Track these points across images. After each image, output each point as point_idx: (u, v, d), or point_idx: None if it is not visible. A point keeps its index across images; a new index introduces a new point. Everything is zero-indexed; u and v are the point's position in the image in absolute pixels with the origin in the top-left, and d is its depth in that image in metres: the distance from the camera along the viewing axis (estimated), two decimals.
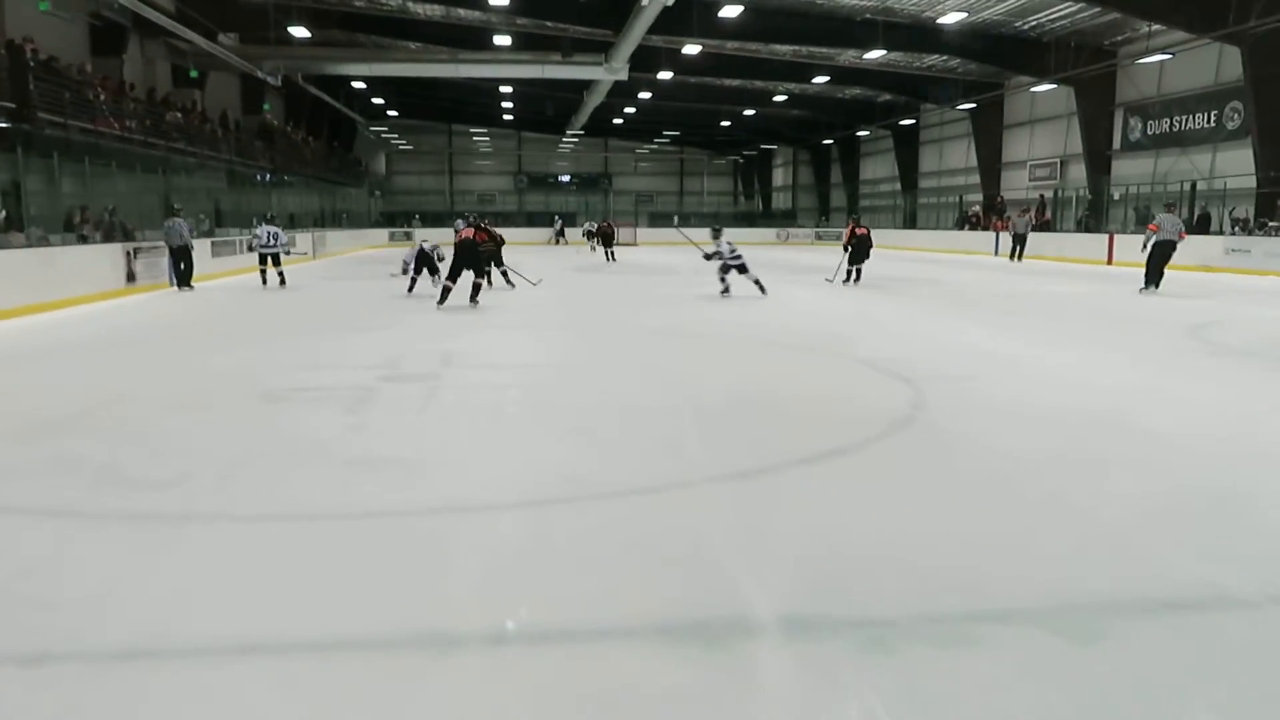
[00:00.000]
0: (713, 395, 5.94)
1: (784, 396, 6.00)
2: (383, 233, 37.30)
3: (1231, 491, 3.89)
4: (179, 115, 21.00)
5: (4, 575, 3.02)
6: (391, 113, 41.71)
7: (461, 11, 24.25)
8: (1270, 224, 17.69)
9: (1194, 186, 20.79)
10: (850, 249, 15.06)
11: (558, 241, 36.21)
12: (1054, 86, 24.26)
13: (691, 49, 24.42)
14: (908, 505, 3.71)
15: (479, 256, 11.71)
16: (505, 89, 34.24)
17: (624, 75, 24.57)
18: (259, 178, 25.45)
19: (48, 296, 11.21)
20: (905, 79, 29.12)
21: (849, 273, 15.13)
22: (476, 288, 11.58)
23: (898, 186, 36.69)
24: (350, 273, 20.12)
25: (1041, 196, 26.53)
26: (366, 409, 5.51)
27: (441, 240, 14.06)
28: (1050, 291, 14.57)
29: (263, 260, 15.19)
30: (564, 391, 6.30)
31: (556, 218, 38.19)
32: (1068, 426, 5.03)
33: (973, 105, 28.37)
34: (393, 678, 2.33)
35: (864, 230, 15.18)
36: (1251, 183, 18.87)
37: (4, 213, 12.27)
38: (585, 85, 29.06)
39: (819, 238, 38.65)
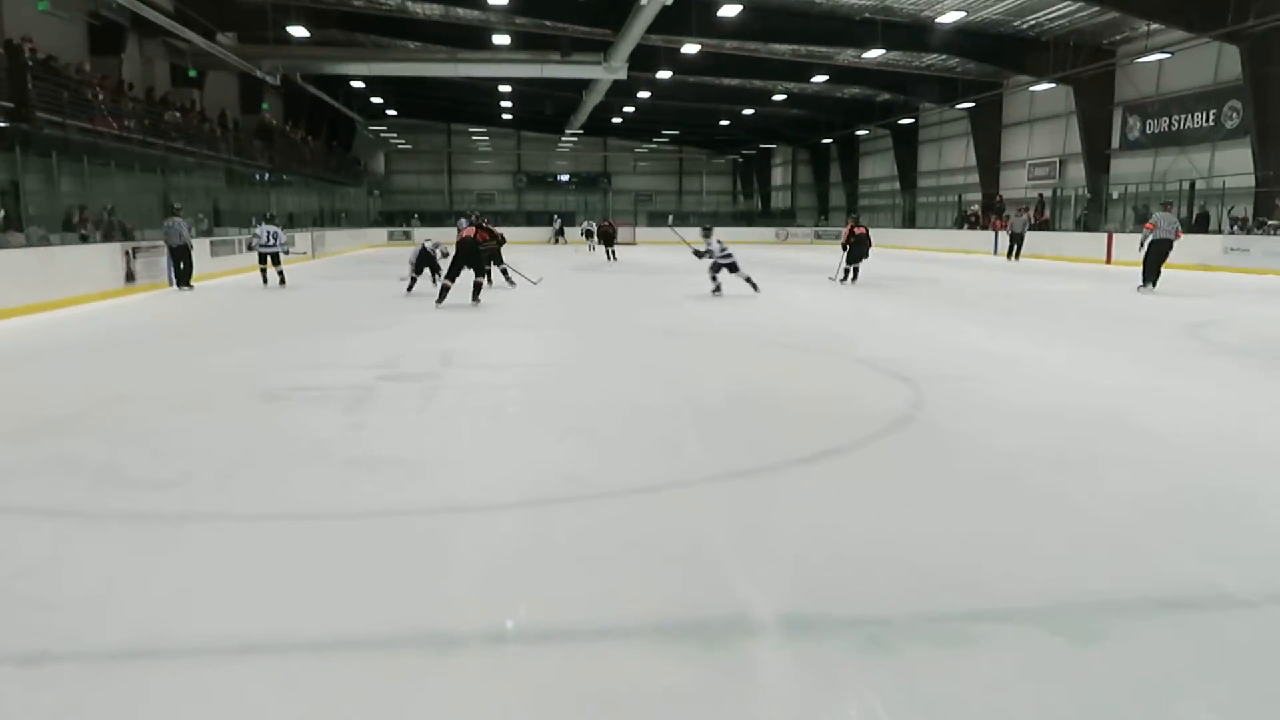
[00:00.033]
0: (712, 395, 5.94)
1: (783, 396, 6.00)
2: (381, 232, 37.32)
3: (1231, 491, 3.89)
4: (178, 115, 20.99)
5: (3, 575, 3.02)
6: (390, 112, 41.69)
7: (460, 11, 24.24)
8: (1269, 223, 17.71)
9: (1193, 185, 20.81)
10: (848, 248, 15.10)
11: (557, 241, 36.25)
12: (1053, 86, 24.27)
13: (690, 48, 24.42)
14: (907, 505, 3.71)
15: (480, 255, 11.78)
16: (504, 88, 34.23)
17: (623, 74, 24.57)
18: (258, 177, 25.44)
19: (47, 296, 11.21)
20: (904, 78, 29.12)
21: (846, 271, 15.16)
22: (478, 286, 11.64)
23: (897, 186, 36.70)
24: (349, 272, 20.12)
25: (1040, 196, 26.55)
26: (366, 409, 5.51)
27: (447, 240, 14.09)
28: (1049, 290, 14.58)
29: (262, 260, 15.21)
30: (564, 391, 6.30)
31: (556, 217, 38.22)
32: (1067, 426, 5.04)
33: (971, 104, 28.37)
34: (393, 678, 2.33)
35: (862, 229, 15.20)
36: (1250, 182, 18.88)
37: (2, 213, 12.26)
38: (584, 84, 29.05)
39: (818, 237, 38.67)
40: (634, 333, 9.52)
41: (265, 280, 15.26)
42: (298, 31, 21.67)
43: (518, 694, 2.26)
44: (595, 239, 31.07)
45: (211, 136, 22.83)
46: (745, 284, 12.57)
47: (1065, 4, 20.87)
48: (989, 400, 5.77)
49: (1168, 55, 20.49)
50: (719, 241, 12.78)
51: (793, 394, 6.08)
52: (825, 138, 40.13)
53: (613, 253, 24.99)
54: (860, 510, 3.66)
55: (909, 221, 34.43)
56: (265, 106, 29.28)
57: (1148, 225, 13.58)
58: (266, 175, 26.06)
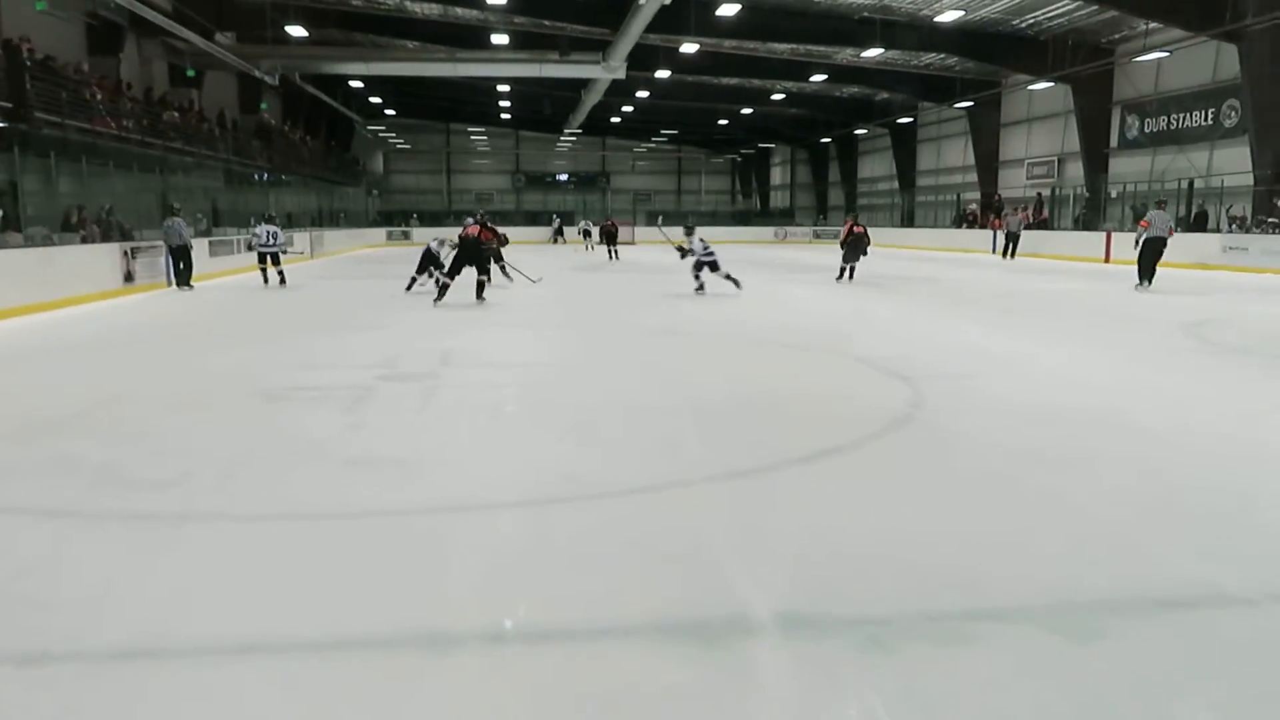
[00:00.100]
0: (712, 394, 5.94)
1: (783, 395, 6.00)
2: (380, 232, 37.33)
3: (1230, 490, 3.89)
4: (176, 115, 20.98)
5: (3, 575, 3.02)
6: (389, 112, 41.69)
7: (459, 10, 24.24)
8: (1268, 220, 17.72)
9: (1191, 184, 20.82)
10: (846, 246, 15.14)
11: (556, 240, 36.26)
12: (1051, 84, 24.28)
13: (689, 47, 24.42)
14: (906, 504, 3.72)
15: (482, 254, 11.87)
16: (503, 88, 34.21)
17: (621, 74, 24.57)
18: (256, 177, 25.42)
19: (46, 296, 11.20)
20: (903, 77, 29.13)
21: (842, 270, 15.20)
22: (481, 285, 11.75)
23: (895, 185, 36.71)
24: (348, 272, 20.11)
25: (1039, 195, 26.57)
26: (365, 408, 5.51)
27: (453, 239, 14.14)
28: (1048, 289, 14.59)
29: (262, 259, 15.21)
30: (563, 391, 6.30)
31: (555, 217, 38.23)
32: (1066, 425, 5.04)
33: (970, 103, 28.37)
34: (392, 677, 2.33)
35: (861, 228, 15.23)
36: (1249, 180, 18.88)
37: (1, 213, 12.25)
38: (583, 84, 29.05)
39: (817, 236, 38.67)
40: (634, 332, 9.52)
41: (265, 280, 15.26)
42: (296, 31, 21.65)
43: (517, 694, 2.26)
44: (593, 238, 31.14)
45: (210, 136, 22.82)
46: (729, 283, 12.60)
47: (1064, 3, 20.88)
48: (988, 399, 5.77)
49: (1166, 54, 20.49)
50: (702, 240, 12.89)
51: (792, 393, 6.08)
52: (824, 137, 40.14)
53: (615, 252, 25.07)
54: (860, 509, 3.66)
55: (908, 220, 34.45)
56: (264, 106, 29.26)
57: (1142, 223, 13.70)
58: (265, 175, 26.05)
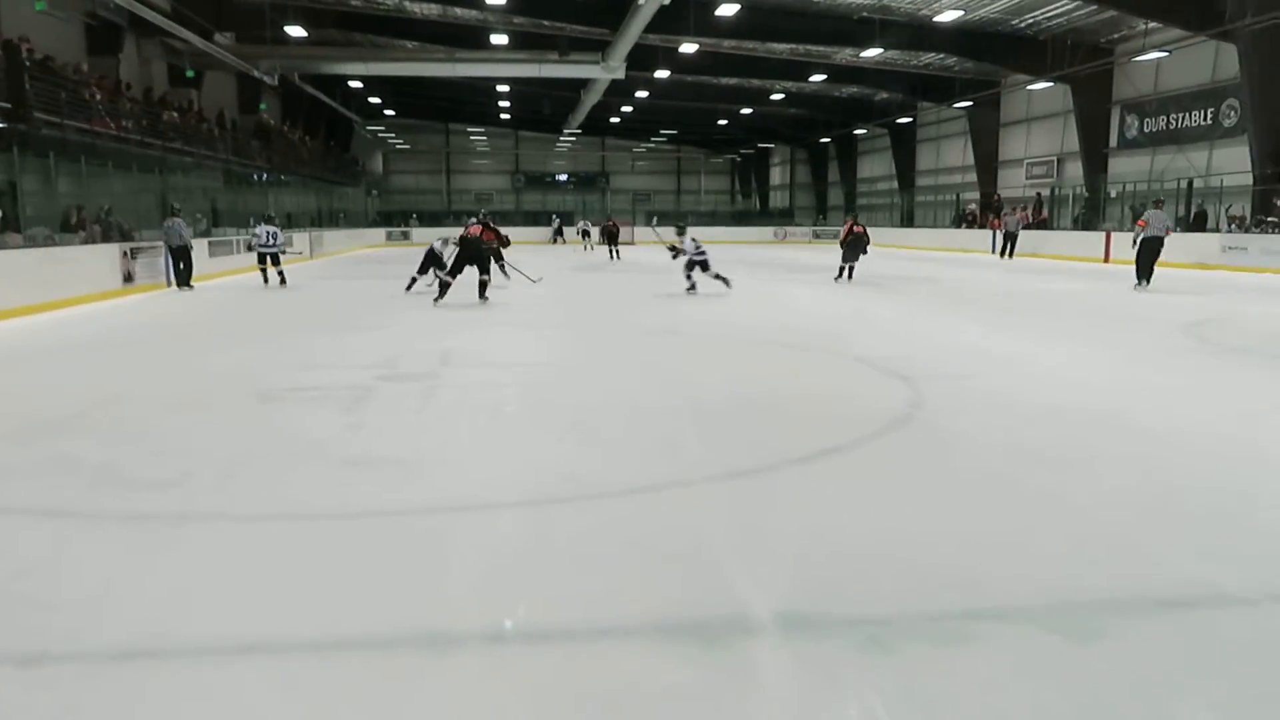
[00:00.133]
0: (712, 394, 5.95)
1: (783, 395, 6.00)
2: (380, 232, 37.33)
3: (1230, 490, 3.89)
4: (175, 115, 20.97)
5: (3, 575, 3.02)
6: (388, 112, 41.68)
7: (458, 10, 24.23)
8: (1267, 220, 17.72)
9: (1190, 184, 20.82)
10: (845, 246, 15.16)
11: (555, 241, 36.28)
12: (1051, 84, 24.28)
13: (688, 47, 24.41)
14: (906, 504, 3.72)
15: (483, 254, 11.94)
16: (502, 88, 34.21)
17: (621, 74, 24.57)
18: (256, 177, 25.41)
19: (45, 297, 11.20)
20: (902, 77, 29.14)
21: (841, 269, 15.23)
22: (483, 284, 11.82)
23: (895, 185, 36.71)
24: (348, 272, 20.11)
25: (1039, 195, 26.58)
26: (365, 408, 5.51)
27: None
28: (1047, 289, 14.59)
29: (262, 260, 15.22)
30: (563, 390, 6.30)
31: (554, 217, 38.23)
32: (1066, 424, 5.04)
33: (969, 103, 28.38)
34: (391, 677, 2.33)
35: (861, 228, 15.25)
36: (1248, 180, 18.88)
37: (0, 213, 12.25)
38: (582, 84, 29.05)
39: (816, 236, 38.67)
40: (634, 332, 9.52)
41: (266, 280, 15.27)
42: (295, 31, 21.65)
43: (517, 694, 2.26)
44: (592, 239, 31.16)
45: (209, 137, 22.81)
46: (720, 283, 12.60)
47: (1063, 3, 20.88)
48: (988, 399, 5.77)
49: (1165, 54, 20.50)
50: (694, 240, 12.95)
51: (792, 393, 6.08)
52: (823, 137, 40.15)
53: (616, 252, 25.11)
54: (859, 509, 3.66)
55: (907, 220, 34.46)
56: (263, 106, 29.25)
57: (1139, 222, 13.75)
58: (264, 175, 26.04)
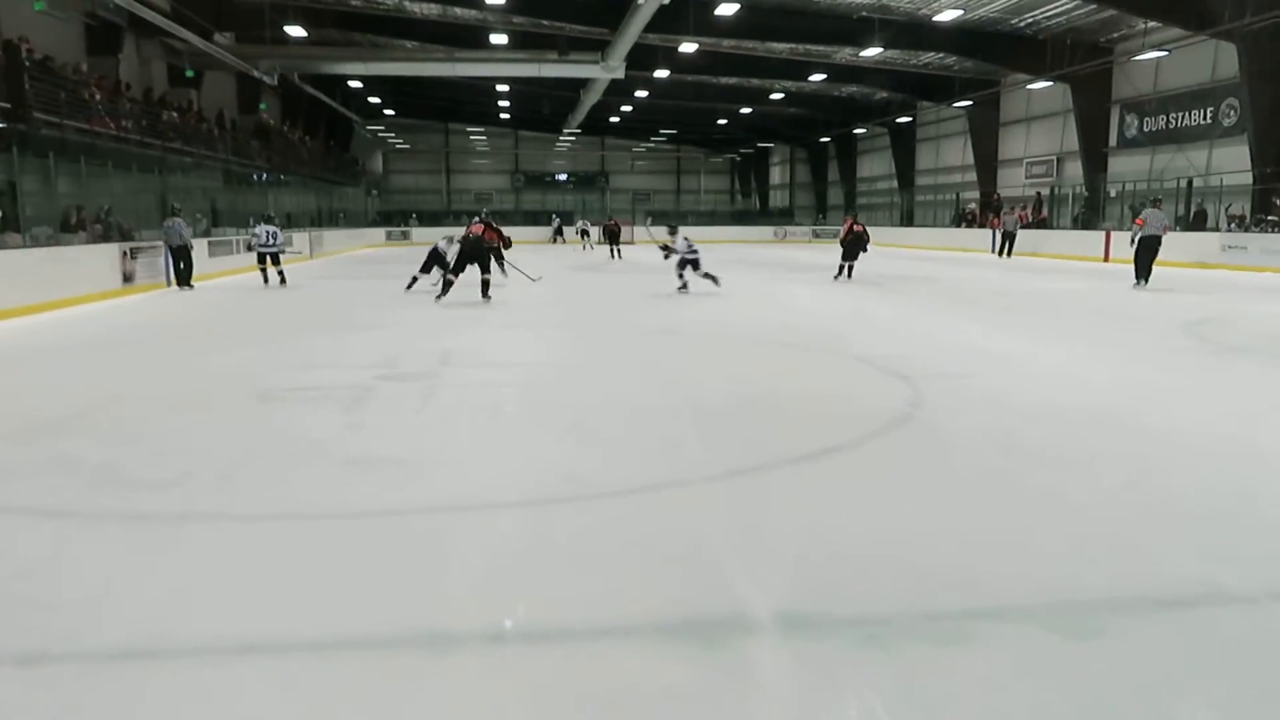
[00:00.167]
0: (712, 394, 5.94)
1: (782, 395, 6.00)
2: (380, 232, 37.34)
3: (1230, 490, 3.89)
4: (175, 115, 20.97)
5: (3, 575, 3.02)
6: (388, 112, 41.67)
7: (458, 10, 24.22)
8: (1267, 219, 17.73)
9: (1190, 183, 20.82)
10: (845, 245, 15.18)
11: (555, 240, 36.28)
12: (1050, 84, 24.26)
13: (688, 47, 24.41)
14: (906, 503, 3.72)
15: (485, 253, 11.98)
16: (502, 88, 34.19)
17: (620, 74, 24.57)
18: (255, 177, 25.41)
19: (45, 297, 11.20)
20: (902, 76, 29.14)
21: (841, 268, 15.24)
22: (485, 284, 11.84)
23: (894, 184, 36.71)
24: (348, 272, 20.10)
25: (1038, 194, 26.57)
26: (365, 408, 5.51)
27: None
28: (1047, 288, 14.59)
29: (262, 259, 15.22)
30: (563, 390, 6.30)
31: (554, 216, 38.24)
32: (1065, 424, 5.04)
33: (969, 103, 28.36)
34: (391, 677, 2.33)
35: (860, 227, 15.27)
36: (1247, 179, 18.89)
37: (0, 213, 12.26)
38: (582, 84, 29.05)
39: (816, 236, 38.68)
40: (634, 332, 9.52)
41: (266, 280, 15.27)
42: (295, 31, 21.64)
43: (517, 694, 2.26)
44: (591, 238, 31.17)
45: (209, 136, 22.82)
46: (711, 283, 12.61)
47: (1062, 2, 20.88)
48: (987, 398, 5.77)
49: (1165, 53, 20.48)
50: (686, 239, 12.99)
51: (792, 393, 6.08)
52: (823, 136, 40.14)
53: (617, 251, 25.14)
54: (859, 509, 3.66)
55: (907, 220, 34.46)
56: (263, 106, 29.25)
57: (1137, 221, 13.78)
58: (264, 175, 26.04)
